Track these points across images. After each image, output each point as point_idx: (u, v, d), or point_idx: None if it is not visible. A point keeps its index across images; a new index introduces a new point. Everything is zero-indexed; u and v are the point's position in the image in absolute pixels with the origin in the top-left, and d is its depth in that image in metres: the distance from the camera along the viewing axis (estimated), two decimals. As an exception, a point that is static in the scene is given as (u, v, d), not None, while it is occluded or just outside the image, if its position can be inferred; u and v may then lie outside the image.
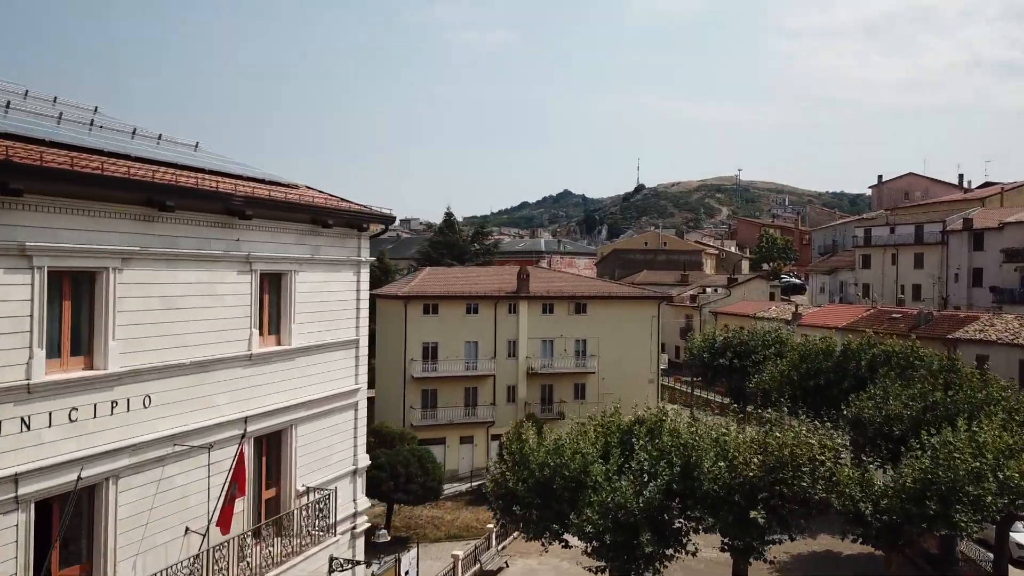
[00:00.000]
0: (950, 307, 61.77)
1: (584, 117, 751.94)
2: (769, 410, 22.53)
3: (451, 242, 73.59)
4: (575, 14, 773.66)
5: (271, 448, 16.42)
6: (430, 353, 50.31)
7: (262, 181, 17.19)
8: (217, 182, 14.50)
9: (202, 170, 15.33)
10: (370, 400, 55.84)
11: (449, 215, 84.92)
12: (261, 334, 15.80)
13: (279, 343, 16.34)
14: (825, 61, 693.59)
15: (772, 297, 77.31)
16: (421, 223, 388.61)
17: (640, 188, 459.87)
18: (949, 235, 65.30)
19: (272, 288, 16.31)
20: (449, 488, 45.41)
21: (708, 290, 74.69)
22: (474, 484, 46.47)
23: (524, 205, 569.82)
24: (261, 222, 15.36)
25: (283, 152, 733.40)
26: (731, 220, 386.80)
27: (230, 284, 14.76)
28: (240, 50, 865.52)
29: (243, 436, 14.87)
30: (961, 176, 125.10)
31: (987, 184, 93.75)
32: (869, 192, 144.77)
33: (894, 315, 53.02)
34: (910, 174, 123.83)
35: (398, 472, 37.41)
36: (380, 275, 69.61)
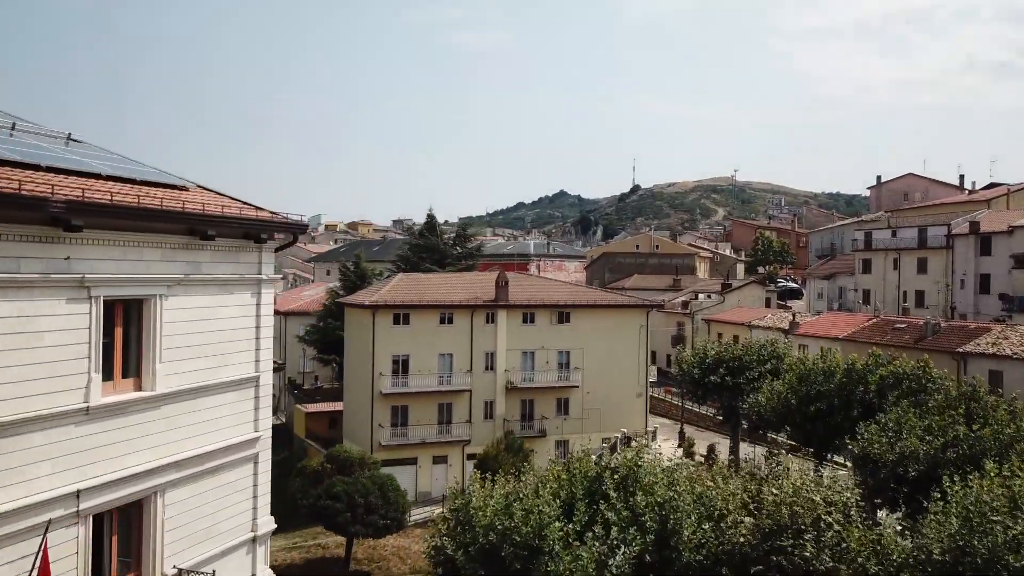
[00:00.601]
0: (957, 316, 58.41)
1: (580, 117, 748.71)
2: (764, 453, 19.07)
3: (432, 245, 69.98)
4: (571, 14, 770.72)
5: (129, 523, 12.87)
6: (401, 367, 46.78)
7: (131, 181, 13.71)
8: (39, 182, 10.98)
9: (36, 167, 11.86)
10: (336, 417, 52.78)
11: (431, 217, 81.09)
12: (111, 379, 12.27)
13: (138, 388, 12.80)
14: (821, 62, 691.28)
15: (768, 303, 73.93)
16: (414, 224, 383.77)
17: (636, 188, 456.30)
18: (954, 239, 61.95)
19: (130, 318, 12.77)
20: (420, 513, 41.91)
21: (701, 296, 71.25)
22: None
23: (520, 205, 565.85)
24: (104, 234, 11.82)
25: (278, 153, 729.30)
26: (727, 221, 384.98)
27: (55, 317, 11.21)
28: (239, 50, 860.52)
29: (77, 514, 11.37)
30: (962, 177, 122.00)
31: (992, 185, 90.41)
32: (867, 193, 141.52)
33: (898, 325, 49.60)
34: (910, 174, 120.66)
35: (356, 503, 33.90)
36: (356, 281, 66.09)
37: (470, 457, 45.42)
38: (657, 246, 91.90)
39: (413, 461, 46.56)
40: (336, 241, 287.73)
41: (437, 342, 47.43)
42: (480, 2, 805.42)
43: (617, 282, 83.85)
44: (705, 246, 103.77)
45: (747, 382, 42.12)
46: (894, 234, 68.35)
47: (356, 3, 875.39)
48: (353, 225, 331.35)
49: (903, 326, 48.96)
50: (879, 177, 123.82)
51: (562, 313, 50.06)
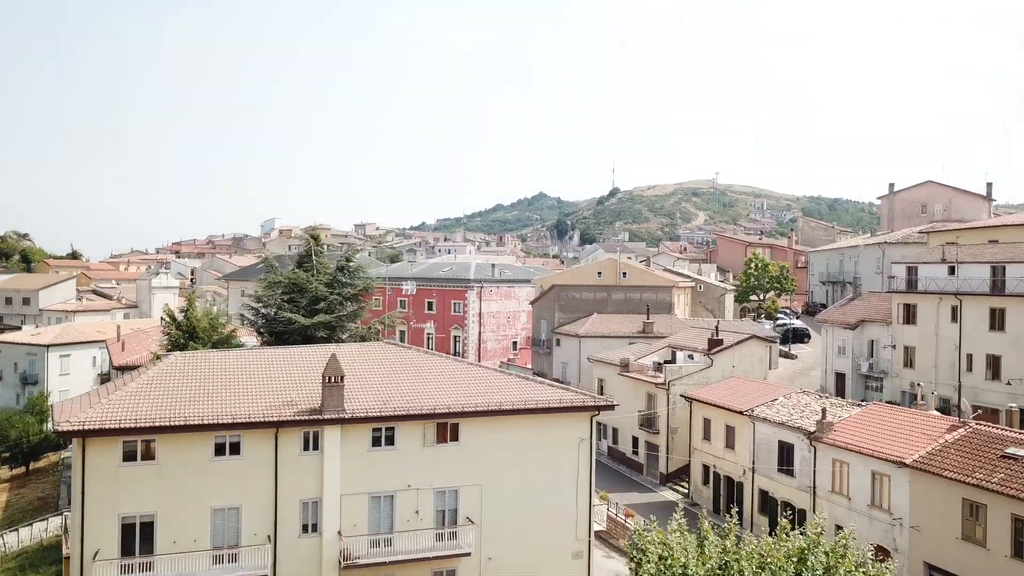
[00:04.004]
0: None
1: (561, 118, 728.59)
2: None
3: (300, 283, 49.14)
4: (552, 15, 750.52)
5: None
6: (138, 536, 25.87)
7: None
8: None
9: None
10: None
11: (314, 237, 59.80)
12: None
13: None
14: (807, 62, 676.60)
15: (774, 364, 53.90)
16: (378, 229, 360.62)
17: (615, 192, 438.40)
18: (1051, 284, 41.94)
19: None
20: None
21: (681, 355, 50.96)
22: None
23: (498, 207, 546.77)
24: None
25: (245, 154, 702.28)
26: (708, 225, 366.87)
27: None
28: (233, 51, 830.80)
29: None
30: (989, 185, 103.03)
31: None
32: (850, 196, 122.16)
33: (1013, 448, 29.20)
34: (928, 182, 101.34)
35: None
36: (184, 338, 45.05)
37: None
38: (625, 274, 71.39)
39: None
40: (290, 248, 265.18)
41: (210, 489, 26.58)
42: (464, 3, 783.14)
43: (569, 324, 63.28)
44: (686, 271, 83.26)
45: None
46: (952, 271, 48.28)
47: (339, 4, 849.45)
48: (310, 230, 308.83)
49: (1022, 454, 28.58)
50: (892, 185, 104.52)
51: (444, 426, 29.39)
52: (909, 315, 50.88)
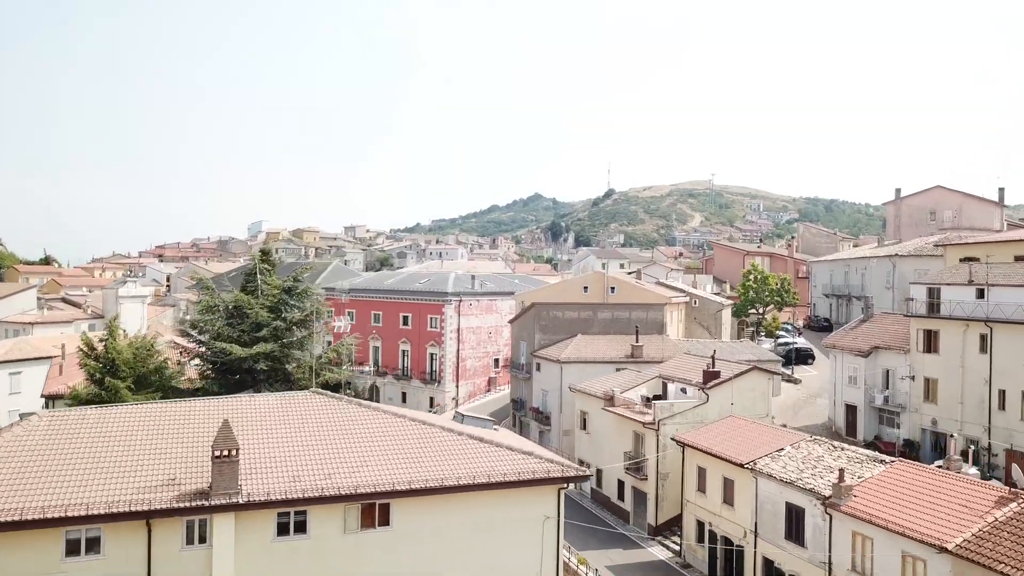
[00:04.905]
0: None
1: (557, 118, 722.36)
2: None
3: (240, 305, 43.08)
4: (549, 14, 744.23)
5: None
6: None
7: None
8: None
9: None
10: None
11: (264, 252, 53.65)
12: None
13: None
14: (805, 62, 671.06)
15: (776, 391, 47.99)
16: (368, 231, 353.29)
17: (610, 193, 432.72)
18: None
19: None
20: None
21: (672, 387, 45.04)
22: None
23: (493, 208, 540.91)
24: None
25: (242, 155, 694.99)
26: (704, 227, 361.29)
27: None
28: (229, 50, 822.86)
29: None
30: (1002, 191, 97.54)
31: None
32: (846, 198, 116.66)
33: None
34: (937, 187, 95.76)
35: None
36: (101, 372, 39.04)
37: None
38: (614, 288, 65.47)
39: None
40: (277, 251, 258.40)
41: (61, 600, 20.59)
42: (459, 2, 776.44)
43: (551, 347, 57.29)
44: (680, 284, 77.26)
45: None
46: (981, 294, 42.39)
47: (336, 3, 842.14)
48: (298, 233, 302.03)
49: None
50: (898, 191, 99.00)
51: (372, 507, 23.42)
52: (930, 343, 45.03)
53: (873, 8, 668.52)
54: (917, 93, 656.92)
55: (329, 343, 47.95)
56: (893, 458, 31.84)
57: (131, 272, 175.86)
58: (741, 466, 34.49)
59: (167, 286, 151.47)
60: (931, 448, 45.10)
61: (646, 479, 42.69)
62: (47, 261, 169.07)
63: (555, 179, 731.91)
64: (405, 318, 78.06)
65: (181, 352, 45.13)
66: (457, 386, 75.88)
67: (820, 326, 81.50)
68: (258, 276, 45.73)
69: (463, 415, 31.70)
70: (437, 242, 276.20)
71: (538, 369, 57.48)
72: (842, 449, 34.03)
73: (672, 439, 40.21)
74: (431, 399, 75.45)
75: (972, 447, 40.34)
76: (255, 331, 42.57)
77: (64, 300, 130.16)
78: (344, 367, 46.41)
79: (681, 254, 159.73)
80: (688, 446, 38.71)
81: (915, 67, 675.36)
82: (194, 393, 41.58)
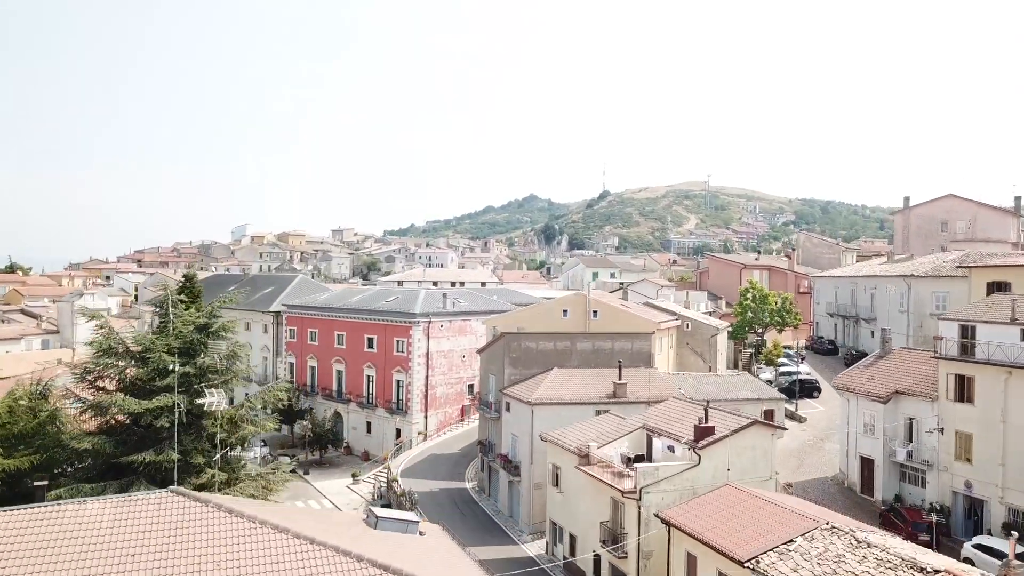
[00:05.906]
0: None
1: (551, 118, 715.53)
2: None
3: (144, 346, 35.69)
4: (548, 14, 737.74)
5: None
6: None
7: None
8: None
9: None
10: None
11: (188, 279, 46.55)
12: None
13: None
14: (802, 62, 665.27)
15: (778, 435, 41.02)
16: (356, 235, 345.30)
17: (605, 194, 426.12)
18: None
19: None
20: None
21: (658, 443, 38.14)
22: None
23: (488, 209, 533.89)
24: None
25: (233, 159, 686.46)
26: (699, 230, 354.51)
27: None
28: (225, 52, 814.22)
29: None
30: (1018, 199, 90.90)
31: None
32: (843, 199, 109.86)
33: None
34: (949, 196, 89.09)
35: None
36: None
37: None
38: (596, 312, 58.52)
39: None
40: (261, 256, 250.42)
41: None
42: (456, 4, 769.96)
43: (522, 384, 50.27)
44: (671, 304, 70.19)
45: None
46: (1025, 336, 35.50)
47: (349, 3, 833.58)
48: (284, 236, 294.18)
49: None
50: (907, 199, 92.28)
51: None
52: (963, 390, 38.13)
53: (873, 8, 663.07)
54: (917, 93, 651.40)
55: (256, 392, 40.73)
56: (939, 569, 24.83)
57: (108, 279, 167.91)
58: (741, 564, 27.51)
59: (135, 295, 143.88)
60: (964, 515, 38.18)
61: (625, 557, 35.63)
62: (12, 269, 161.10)
63: (551, 180, 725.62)
64: (370, 340, 71.13)
65: (78, 401, 38.03)
66: (426, 416, 68.88)
67: (825, 349, 74.68)
68: (170, 311, 38.35)
69: (377, 516, 24.63)
70: (427, 245, 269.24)
71: (507, 409, 50.46)
72: (868, 546, 27.04)
73: (656, 515, 33.19)
74: (397, 431, 68.46)
75: (1017, 518, 33.59)
76: (162, 378, 35.47)
77: (23, 312, 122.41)
78: (269, 416, 39.38)
79: (674, 261, 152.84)
80: (675, 526, 31.70)
81: (915, 67, 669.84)
82: (80, 455, 34.74)
